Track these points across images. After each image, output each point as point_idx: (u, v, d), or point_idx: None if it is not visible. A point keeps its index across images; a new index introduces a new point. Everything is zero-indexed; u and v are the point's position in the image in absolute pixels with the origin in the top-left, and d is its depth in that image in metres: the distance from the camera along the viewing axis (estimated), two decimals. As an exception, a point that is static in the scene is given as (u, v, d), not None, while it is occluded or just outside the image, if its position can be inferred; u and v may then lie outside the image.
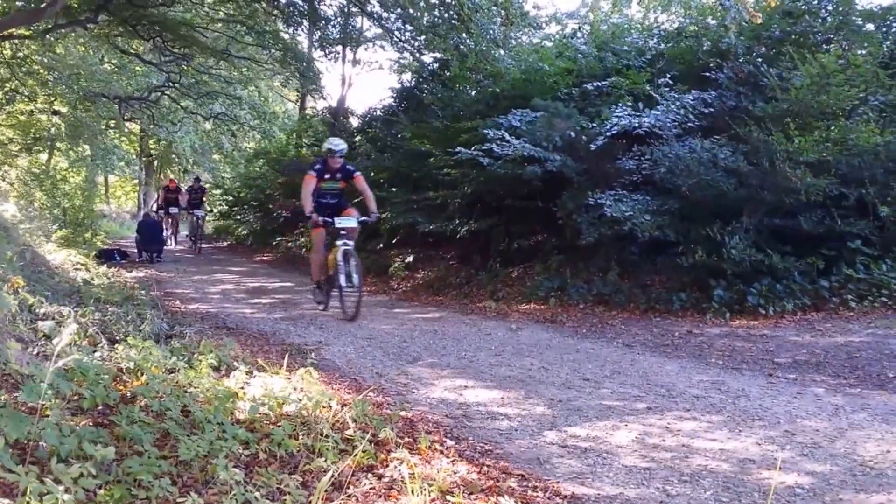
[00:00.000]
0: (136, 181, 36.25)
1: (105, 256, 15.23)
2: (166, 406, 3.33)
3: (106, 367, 3.84)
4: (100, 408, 3.27)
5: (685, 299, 7.94)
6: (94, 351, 4.48)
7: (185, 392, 3.75)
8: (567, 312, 8.39)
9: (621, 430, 4.04)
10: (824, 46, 8.95)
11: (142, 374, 3.94)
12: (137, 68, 22.44)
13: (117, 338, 5.31)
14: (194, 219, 19.68)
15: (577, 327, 7.67)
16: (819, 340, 6.28)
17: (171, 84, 21.95)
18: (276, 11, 16.24)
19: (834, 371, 5.41)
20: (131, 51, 20.01)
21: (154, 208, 21.57)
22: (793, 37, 9.09)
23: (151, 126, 26.61)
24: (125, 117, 25.05)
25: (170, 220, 20.26)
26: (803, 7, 9.23)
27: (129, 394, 3.51)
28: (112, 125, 27.52)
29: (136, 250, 17.10)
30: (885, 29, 9.36)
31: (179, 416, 3.30)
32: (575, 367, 5.75)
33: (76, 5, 14.75)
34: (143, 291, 9.14)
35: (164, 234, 18.28)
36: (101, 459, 2.55)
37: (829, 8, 9.35)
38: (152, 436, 2.96)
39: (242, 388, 4.10)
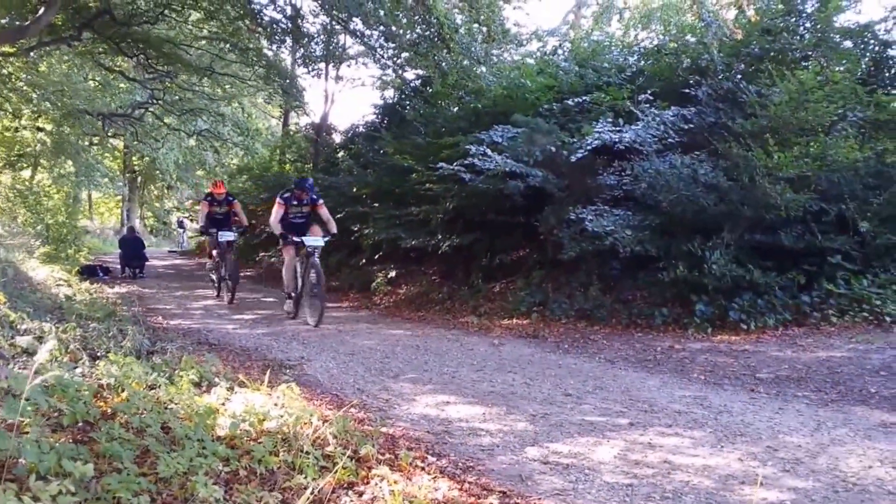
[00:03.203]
0: (119, 197, 36.05)
1: (88, 272, 15.21)
2: (147, 422, 3.30)
3: (87, 383, 3.80)
4: (80, 424, 3.23)
5: (667, 314, 7.97)
6: (76, 367, 4.42)
7: (166, 408, 3.72)
8: (549, 328, 8.38)
9: (603, 446, 4.03)
10: (803, 63, 9.08)
11: (122, 391, 3.90)
12: (121, 85, 22.45)
13: (99, 354, 5.24)
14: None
15: (559, 342, 7.66)
16: (801, 356, 6.30)
17: (154, 101, 21.94)
18: (259, 29, 16.25)
19: (816, 386, 5.42)
20: (115, 68, 20.03)
21: (197, 226, 14.60)
22: (772, 54, 9.20)
23: (135, 142, 26.60)
24: (109, 134, 25.01)
25: (217, 252, 11.89)
26: (782, 24, 9.34)
27: (109, 410, 3.49)
28: (96, 141, 27.44)
29: (118, 266, 17.01)
30: (862, 46, 9.49)
31: (160, 432, 3.27)
32: (557, 382, 5.74)
33: (60, 23, 14.77)
34: (125, 307, 9.10)
35: (214, 273, 12.56)
36: (81, 477, 2.51)
37: (808, 25, 9.48)
38: (132, 452, 2.93)
39: (223, 404, 4.07)
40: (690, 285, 7.83)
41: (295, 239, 9.15)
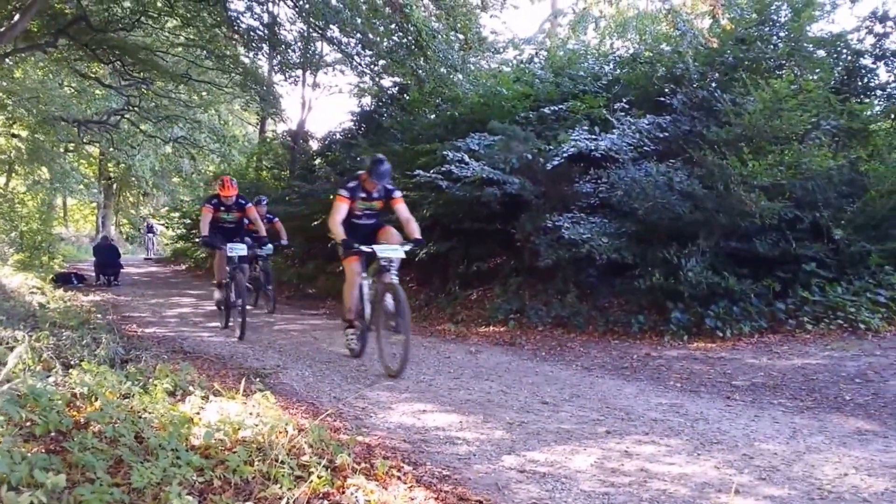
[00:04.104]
0: (94, 204, 35.67)
1: (62, 280, 15.09)
2: (120, 432, 3.27)
3: (59, 392, 3.76)
4: (52, 434, 3.21)
5: (643, 322, 8.00)
6: (48, 376, 4.36)
7: (140, 418, 3.68)
8: (526, 335, 8.38)
9: (580, 455, 4.03)
10: (777, 72, 9.16)
11: (96, 400, 3.86)
12: (97, 92, 22.30)
13: (72, 362, 5.18)
14: (258, 264, 11.65)
15: (536, 350, 7.66)
16: (776, 363, 6.34)
17: (130, 108, 21.82)
18: (236, 36, 16.19)
19: (791, 393, 5.46)
20: (91, 74, 19.91)
21: (199, 238, 11.25)
22: (746, 63, 9.27)
23: (111, 149, 26.38)
24: (84, 140, 24.80)
25: (232, 273, 9.04)
26: (756, 34, 9.42)
27: (82, 419, 3.46)
28: (71, 148, 27.19)
29: (93, 274, 16.86)
30: (835, 55, 9.61)
31: (133, 442, 3.25)
32: (534, 390, 5.74)
33: (36, 29, 14.64)
34: (99, 315, 9.00)
35: (220, 297, 9.72)
36: (53, 487, 2.50)
37: (781, 35, 9.56)
38: (105, 463, 2.91)
39: (198, 413, 4.03)
40: (666, 292, 7.86)
41: (364, 248, 6.61)
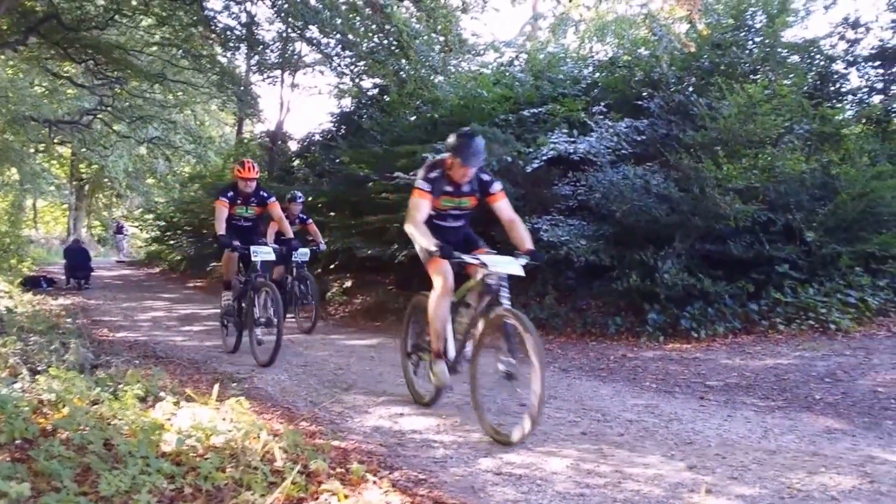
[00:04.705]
0: (66, 206, 35.24)
1: (31, 283, 14.86)
2: (88, 439, 3.22)
3: (26, 398, 3.71)
4: (18, 442, 3.17)
5: (620, 323, 8.06)
6: (14, 382, 4.31)
7: (109, 424, 3.63)
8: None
9: (556, 456, 4.04)
10: (752, 77, 9.27)
11: (64, 406, 3.81)
12: (69, 91, 22.05)
13: (39, 368, 5.12)
14: (292, 272, 9.95)
15: (514, 352, 7.66)
16: (749, 363, 6.41)
17: (103, 107, 21.59)
18: (212, 35, 16.07)
19: (763, 393, 5.52)
20: (63, 74, 19.65)
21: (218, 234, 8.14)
22: (722, 67, 9.37)
23: (83, 150, 26.06)
24: (55, 141, 24.50)
25: (242, 279, 7.80)
26: (731, 39, 9.53)
27: (49, 427, 3.43)
28: (42, 149, 26.84)
29: (63, 277, 16.65)
30: (808, 60, 9.75)
31: (102, 449, 3.20)
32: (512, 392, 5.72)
33: (5, 27, 14.42)
34: (69, 320, 8.88)
35: (229, 310, 7.92)
36: (17, 497, 2.48)
37: (756, 40, 9.69)
38: (72, 471, 2.88)
39: (169, 419, 3.97)
40: (643, 294, 7.92)
41: (469, 259, 4.66)
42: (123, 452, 3.12)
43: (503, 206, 5.04)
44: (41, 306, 10.62)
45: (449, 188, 4.98)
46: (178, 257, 22.01)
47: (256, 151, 21.21)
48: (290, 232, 8.12)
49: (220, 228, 7.46)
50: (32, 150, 26.03)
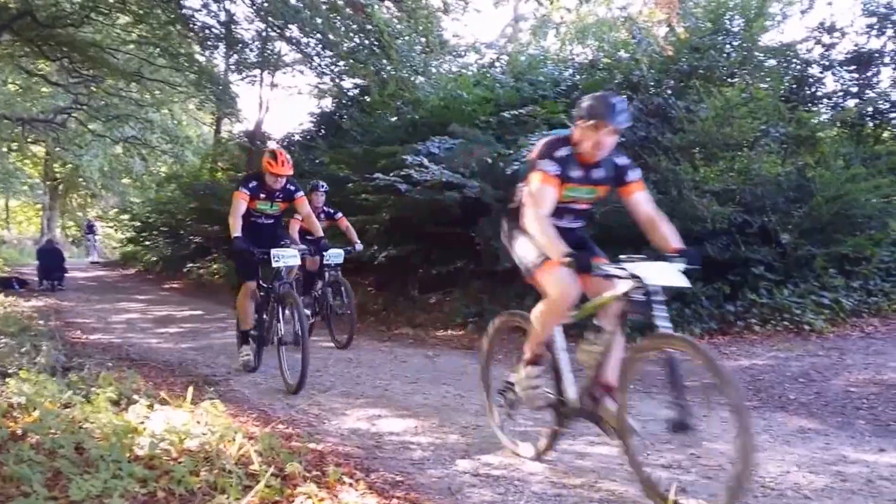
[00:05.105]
0: (39, 206, 34.79)
1: (3, 285, 14.69)
2: (59, 443, 3.17)
3: (-5, 402, 3.64)
4: (-14, 446, 3.09)
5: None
6: (-17, 385, 4.24)
7: (81, 428, 3.57)
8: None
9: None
10: (729, 80, 9.37)
11: (34, 410, 3.75)
12: (43, 89, 21.79)
13: (10, 371, 5.03)
14: (323, 276, 8.70)
15: (495, 353, 7.66)
16: (725, 363, 6.44)
17: (78, 106, 21.35)
18: (191, 34, 15.96)
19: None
20: (37, 71, 19.42)
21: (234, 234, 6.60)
22: (700, 71, 9.47)
23: (57, 149, 25.77)
24: (29, 140, 24.18)
25: (262, 286, 6.69)
26: (709, 42, 9.64)
27: (19, 431, 3.36)
28: (14, 147, 26.49)
29: (36, 278, 16.44)
30: (785, 64, 9.87)
31: (73, 453, 3.15)
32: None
33: (-22, 24, 14.19)
34: (41, 321, 8.76)
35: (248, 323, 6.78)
36: None
37: (734, 44, 9.79)
38: (42, 475, 2.82)
39: (142, 422, 3.90)
40: (622, 296, 7.96)
41: (613, 271, 3.45)
42: (95, 456, 3.08)
43: (642, 199, 3.89)
44: (12, 308, 10.43)
45: (577, 173, 3.77)
46: (154, 258, 21.83)
47: (235, 151, 21.09)
48: (319, 231, 6.91)
49: (236, 228, 6.21)
50: (5, 149, 25.69)
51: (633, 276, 3.33)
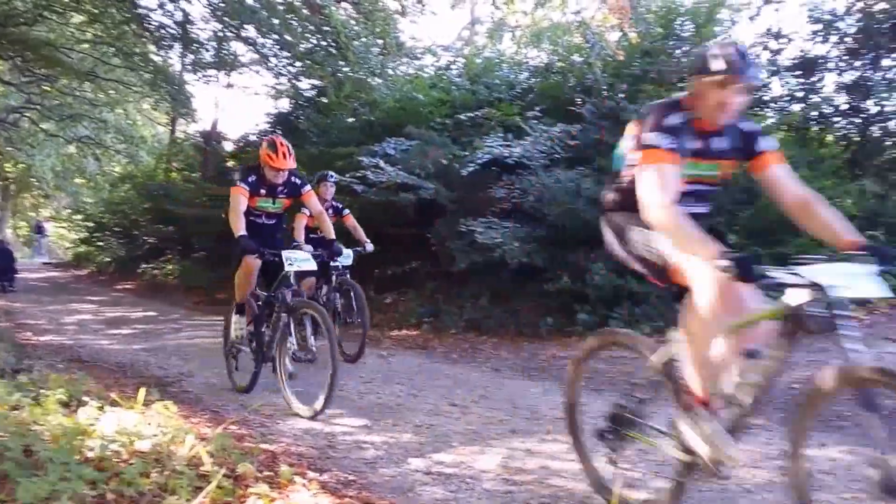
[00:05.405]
0: (-11, 206, 33.99)
1: (-49, 286, 14.27)
2: (6, 445, 3.12)
3: (-61, 406, 3.57)
4: (-70, 450, 3.03)
5: (552, 323, 8.21)
6: (-71, 389, 4.15)
7: (30, 430, 3.51)
8: (439, 338, 8.46)
9: (486, 455, 4.10)
10: (679, 84, 9.53)
11: (-19, 413, 3.66)
12: (-6, 89, 21.27)
13: (-44, 374, 4.93)
14: (330, 280, 7.67)
15: (449, 353, 7.75)
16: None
17: (31, 105, 20.94)
18: (146, 34, 15.77)
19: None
20: (-12, 71, 18.97)
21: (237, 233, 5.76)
22: (651, 75, 9.62)
23: (8, 148, 25.21)
24: (-22, 139, 23.63)
25: (264, 296, 5.88)
26: (660, 47, 9.80)
27: (-35, 435, 3.27)
28: (-37, 147, 25.87)
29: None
30: (734, 69, 10.06)
31: (21, 456, 3.09)
32: (444, 392, 5.79)
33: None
34: (-10, 323, 8.56)
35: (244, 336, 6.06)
36: None
37: (685, 48, 9.97)
38: (-12, 479, 2.76)
39: (93, 424, 3.86)
40: (574, 295, 8.09)
41: (785, 277, 2.58)
42: (44, 459, 3.03)
43: (781, 174, 3.03)
44: (-39, 310, 10.26)
45: (696, 144, 2.97)
46: (107, 259, 21.50)
47: (190, 152, 20.86)
48: (331, 231, 6.02)
49: (240, 226, 5.52)
50: (-46, 149, 25.11)
51: (813, 285, 2.51)
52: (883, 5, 9.65)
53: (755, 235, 8.12)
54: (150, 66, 17.60)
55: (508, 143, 9.13)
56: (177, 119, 22.58)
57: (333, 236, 5.96)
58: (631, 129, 3.21)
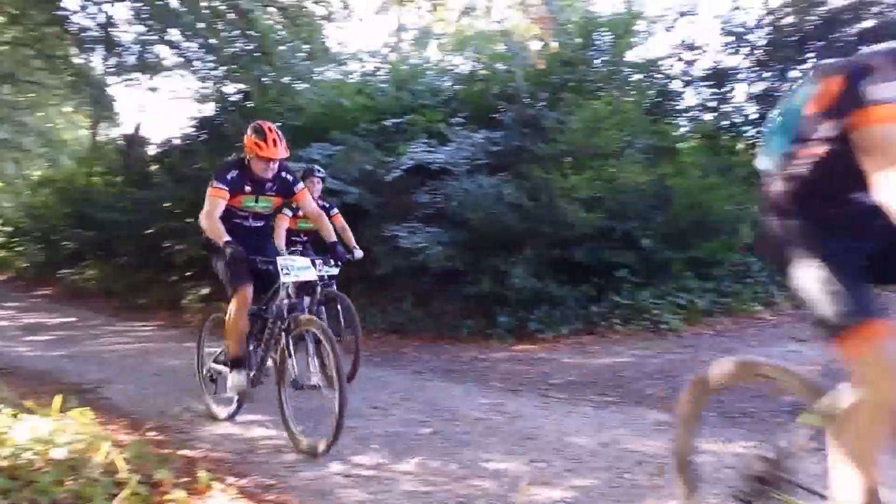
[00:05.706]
0: None
1: None
2: (-87, 458, 3.06)
3: None
4: None
5: (472, 326, 8.39)
6: None
7: (-61, 441, 3.45)
8: (363, 342, 8.44)
9: (405, 456, 4.19)
10: (598, 93, 9.85)
11: None
12: None
13: None
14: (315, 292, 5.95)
15: (371, 356, 7.77)
16: (590, 362, 6.83)
17: (-55, 107, 20.08)
18: (68, 36, 15.35)
19: (601, 390, 5.85)
20: None
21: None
22: (570, 84, 9.91)
23: (-80, 150, 24.12)
24: None
25: (296, 319, 4.63)
26: (580, 57, 10.09)
27: None
28: None
29: None
30: (649, 79, 10.48)
31: (-71, 467, 3.04)
32: (366, 396, 5.83)
33: None
34: None
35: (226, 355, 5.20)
36: None
37: (603, 59, 10.30)
38: None
39: (6, 432, 3.81)
40: (495, 298, 8.29)
41: None
42: (-46, 469, 3.02)
43: None
44: None
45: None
46: (26, 264, 20.78)
47: (112, 155, 20.34)
48: (332, 233, 5.31)
49: (221, 232, 4.63)
50: None
51: None
52: (791, 20, 10.15)
53: (668, 240, 8.47)
54: (71, 69, 17.15)
55: (432, 149, 9.28)
56: (98, 122, 22.02)
57: (334, 238, 5.30)
58: (821, 87, 2.10)
